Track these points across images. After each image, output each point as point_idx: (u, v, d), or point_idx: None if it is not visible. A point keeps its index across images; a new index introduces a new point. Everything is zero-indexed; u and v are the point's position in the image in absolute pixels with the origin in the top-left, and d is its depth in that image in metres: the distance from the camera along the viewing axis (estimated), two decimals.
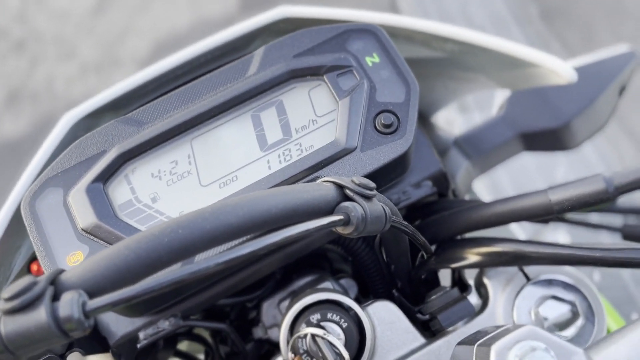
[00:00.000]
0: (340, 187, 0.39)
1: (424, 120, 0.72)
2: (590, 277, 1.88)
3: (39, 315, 0.28)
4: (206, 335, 0.68)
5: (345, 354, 0.46)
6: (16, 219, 0.53)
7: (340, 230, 0.38)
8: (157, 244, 0.31)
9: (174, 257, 0.32)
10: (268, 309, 0.62)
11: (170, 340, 0.64)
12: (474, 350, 0.37)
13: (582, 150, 2.01)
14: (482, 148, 0.68)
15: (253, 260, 0.52)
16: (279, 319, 0.61)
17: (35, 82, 3.31)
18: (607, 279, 1.88)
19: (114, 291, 0.30)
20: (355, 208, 0.38)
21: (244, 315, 0.66)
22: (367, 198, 0.39)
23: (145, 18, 3.48)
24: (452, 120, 1.60)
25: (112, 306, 0.29)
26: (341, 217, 0.37)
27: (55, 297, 0.29)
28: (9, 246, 0.55)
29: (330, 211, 0.38)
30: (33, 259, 0.58)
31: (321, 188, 0.38)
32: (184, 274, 0.30)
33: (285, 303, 0.60)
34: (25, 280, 0.29)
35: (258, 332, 0.64)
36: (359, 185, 0.39)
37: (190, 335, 0.65)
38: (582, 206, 0.45)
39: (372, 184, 0.40)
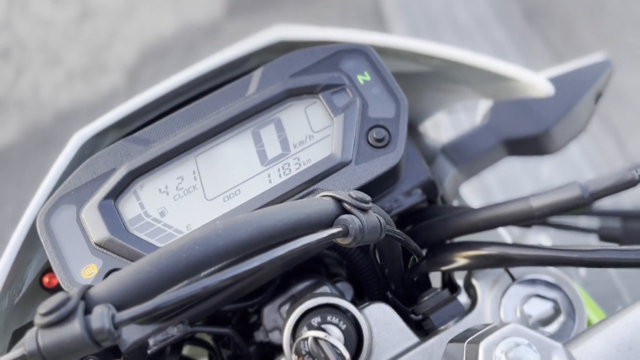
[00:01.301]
0: (338, 201, 0.43)
1: (413, 129, 0.76)
2: (576, 272, 1.94)
3: (74, 328, 0.31)
4: (209, 340, 0.71)
5: (346, 354, 0.49)
6: (28, 235, 0.56)
7: (340, 241, 0.42)
8: (177, 260, 0.34)
9: (192, 271, 0.35)
10: (269, 313, 0.65)
11: (176, 346, 0.67)
12: (464, 348, 0.40)
13: (567, 150, 2.06)
14: (468, 155, 0.72)
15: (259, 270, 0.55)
16: (280, 322, 0.64)
17: (21, 90, 3.30)
18: (593, 274, 1.93)
19: (139, 304, 0.33)
20: (354, 220, 0.41)
21: (245, 320, 0.69)
22: (364, 210, 0.42)
23: (131, 24, 3.48)
24: (439, 122, 1.64)
25: (139, 318, 0.32)
26: (340, 229, 0.41)
27: (87, 311, 0.32)
28: (22, 260, 0.57)
29: (330, 224, 0.41)
30: (44, 272, 0.61)
31: (321, 203, 0.42)
32: (204, 285, 0.33)
33: (285, 307, 0.63)
34: (59, 296, 0.32)
35: (259, 336, 0.67)
36: (355, 199, 0.43)
37: (194, 340, 0.68)
38: (560, 211, 0.49)
39: (368, 197, 0.43)
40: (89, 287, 0.34)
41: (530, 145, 0.72)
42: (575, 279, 1.36)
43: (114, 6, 3.60)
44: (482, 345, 0.37)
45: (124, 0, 3.62)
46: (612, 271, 2.01)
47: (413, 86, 0.69)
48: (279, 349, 0.64)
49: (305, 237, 0.38)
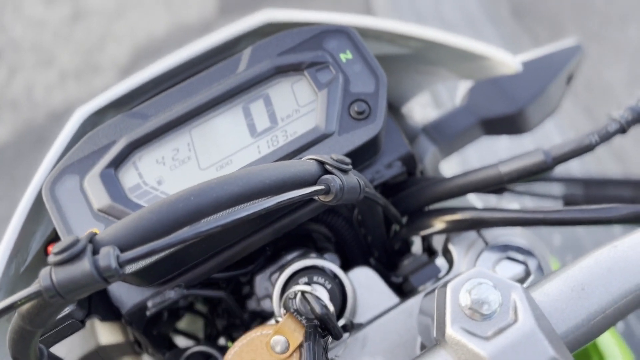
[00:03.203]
0: (321, 163, 0.47)
1: (395, 110, 0.80)
2: (551, 241, 1.98)
3: (84, 265, 0.34)
4: (204, 311, 0.75)
5: (331, 306, 0.53)
6: (33, 207, 0.60)
7: (322, 198, 0.46)
8: (175, 208, 0.38)
9: (188, 219, 0.39)
10: (260, 281, 0.69)
11: (172, 313, 0.71)
12: (436, 293, 0.45)
13: (550, 135, 2.11)
14: (447, 134, 0.76)
15: (251, 231, 0.58)
16: (271, 290, 0.68)
17: (15, 90, 3.32)
18: (567, 241, 1.98)
19: (140, 246, 0.37)
20: (334, 179, 0.45)
21: (238, 290, 0.73)
22: (344, 172, 0.46)
23: (123, 24, 3.50)
24: (428, 116, 1.69)
25: (140, 258, 0.36)
26: (322, 187, 0.44)
27: (95, 252, 0.36)
28: (27, 231, 0.61)
29: (313, 183, 0.45)
30: (48, 242, 0.65)
31: (305, 164, 0.46)
32: (198, 231, 0.37)
33: (276, 275, 0.68)
34: (70, 238, 0.36)
35: (252, 304, 0.71)
36: (336, 160, 0.47)
37: (190, 309, 0.72)
38: (526, 175, 0.53)
39: (348, 160, 0.47)
40: (95, 233, 0.38)
41: (506, 124, 0.76)
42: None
43: (106, 7, 3.62)
44: (450, 286, 0.42)
45: (116, 0, 3.64)
46: (586, 241, 2.06)
47: (394, 69, 0.74)
48: (270, 316, 0.68)
49: (290, 192, 0.42)
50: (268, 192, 0.42)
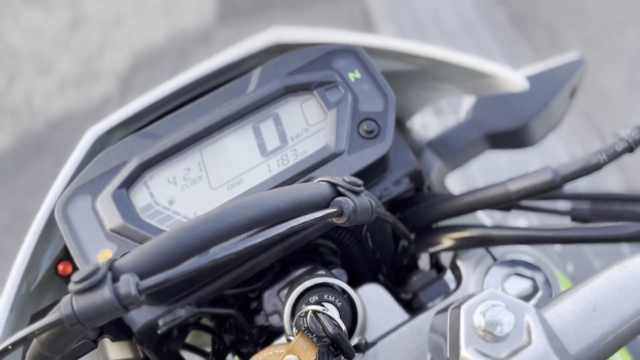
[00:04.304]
0: (333, 185, 0.47)
1: (401, 125, 0.81)
2: (564, 270, 1.99)
3: (104, 293, 0.35)
4: (212, 326, 0.75)
5: (343, 325, 0.53)
6: (44, 227, 0.60)
7: (335, 220, 0.46)
8: (192, 235, 0.39)
9: (205, 244, 0.39)
10: (269, 298, 0.69)
11: (181, 330, 0.71)
12: (449, 314, 0.45)
13: (553, 150, 2.12)
14: (453, 148, 0.77)
15: (261, 250, 0.59)
16: (279, 306, 0.69)
17: (14, 98, 3.32)
18: (580, 270, 1.99)
19: (159, 274, 0.37)
20: (347, 202, 0.45)
21: (246, 306, 0.73)
22: (356, 193, 0.47)
23: (121, 32, 3.51)
24: (427, 124, 1.69)
25: (159, 285, 0.37)
26: (336, 209, 0.45)
27: (114, 279, 0.36)
28: (38, 250, 0.61)
29: (326, 205, 0.46)
30: (58, 261, 0.65)
31: (318, 186, 0.46)
32: (215, 257, 0.38)
33: (284, 292, 0.68)
34: (90, 267, 0.36)
35: (260, 320, 0.71)
36: (349, 182, 0.47)
37: (199, 325, 0.72)
38: (535, 193, 0.54)
39: (360, 182, 0.48)
40: (114, 260, 0.38)
41: (511, 138, 0.77)
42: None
43: (104, 14, 3.62)
44: (464, 308, 0.42)
45: (114, 8, 3.64)
46: (598, 269, 2.07)
47: (400, 85, 0.74)
48: (278, 332, 0.68)
49: (304, 216, 0.43)
50: (282, 216, 0.43)
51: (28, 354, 0.40)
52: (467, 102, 0.81)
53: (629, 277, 0.43)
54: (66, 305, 0.35)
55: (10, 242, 2.50)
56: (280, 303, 0.69)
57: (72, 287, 0.36)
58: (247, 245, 0.39)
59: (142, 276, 0.37)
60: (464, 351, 0.41)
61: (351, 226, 0.66)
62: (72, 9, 3.70)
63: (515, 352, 0.40)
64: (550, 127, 0.78)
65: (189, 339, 0.81)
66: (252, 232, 0.43)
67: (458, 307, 0.44)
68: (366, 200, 0.47)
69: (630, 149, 0.51)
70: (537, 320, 0.41)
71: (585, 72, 0.81)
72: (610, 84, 2.57)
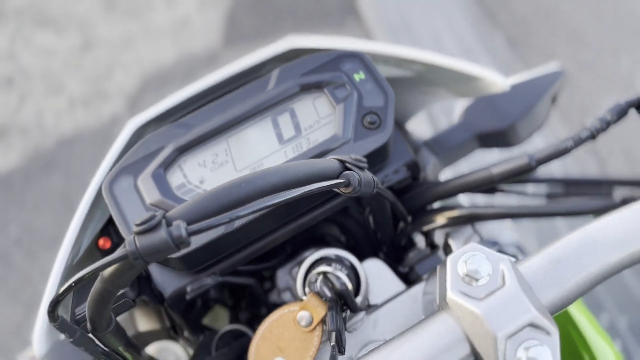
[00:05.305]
0: (342, 161, 0.56)
1: (400, 125, 0.90)
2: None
3: (161, 234, 0.43)
4: (230, 303, 0.83)
5: (349, 284, 0.62)
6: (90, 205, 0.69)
7: (342, 190, 0.55)
8: (228, 192, 0.47)
9: (239, 201, 0.48)
10: (282, 275, 0.78)
11: (204, 304, 0.79)
12: (438, 268, 0.54)
13: (548, 167, 2.20)
14: (446, 147, 0.86)
15: (279, 226, 0.67)
16: (291, 283, 0.77)
17: (25, 116, 3.39)
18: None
19: (203, 221, 0.46)
20: (353, 175, 0.54)
21: (261, 286, 0.82)
22: (361, 169, 0.56)
23: (130, 54, 3.60)
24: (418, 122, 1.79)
25: (202, 230, 0.45)
26: (343, 180, 0.54)
27: (168, 224, 0.45)
28: (83, 228, 0.70)
29: (335, 177, 0.55)
30: (98, 237, 0.74)
31: (329, 161, 0.55)
32: (250, 210, 0.47)
33: (295, 270, 0.77)
34: (148, 214, 0.45)
35: (273, 297, 0.80)
36: (355, 160, 0.56)
37: (219, 301, 0.81)
38: (514, 175, 0.63)
39: (364, 160, 0.57)
40: (167, 210, 0.47)
41: (498, 138, 0.86)
42: None
43: (114, 37, 3.72)
44: (449, 258, 0.51)
45: (124, 31, 3.75)
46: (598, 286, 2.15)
47: (400, 90, 0.84)
48: None
49: (318, 183, 0.52)
50: (300, 184, 0.51)
51: (92, 290, 0.48)
52: (459, 107, 0.90)
53: (588, 237, 0.52)
54: (130, 243, 0.43)
55: (19, 255, 2.57)
56: (292, 281, 0.77)
57: (134, 229, 0.44)
58: (275, 202, 0.48)
59: (189, 223, 0.45)
60: (449, 293, 0.49)
61: (354, 212, 0.75)
62: (82, 32, 3.80)
63: (491, 293, 0.48)
64: (534, 129, 0.87)
65: (208, 322, 0.89)
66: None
67: (445, 261, 0.52)
68: (369, 175, 0.56)
69: (592, 137, 0.60)
70: (511, 268, 0.50)
71: (565, 81, 0.91)
72: (605, 106, 2.66)
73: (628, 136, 2.42)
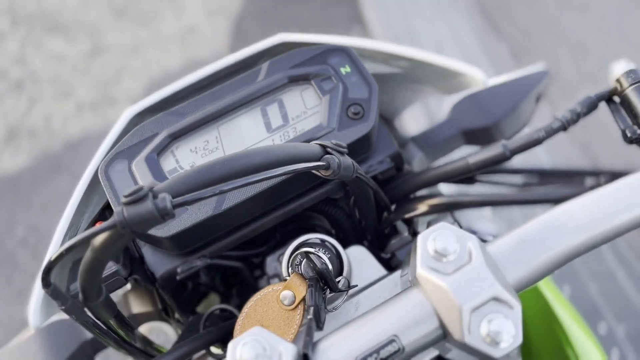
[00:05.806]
0: (323, 146, 0.59)
1: (388, 122, 0.93)
2: (561, 289, 2.11)
3: (147, 205, 0.46)
4: (221, 289, 0.86)
5: (330, 265, 0.65)
6: (86, 190, 0.73)
7: (322, 172, 0.58)
8: (212, 169, 0.50)
9: (221, 178, 0.51)
10: (270, 262, 0.81)
11: (195, 288, 0.82)
12: (411, 246, 0.57)
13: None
14: (433, 142, 0.89)
15: (266, 211, 0.70)
16: (279, 269, 0.80)
17: (34, 120, 3.44)
18: (576, 292, 2.11)
19: (187, 194, 0.49)
20: (333, 158, 0.57)
21: (251, 273, 0.85)
22: (341, 153, 0.59)
23: (138, 60, 3.65)
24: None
25: (186, 203, 0.48)
26: (323, 163, 0.57)
27: (154, 197, 0.48)
28: (79, 211, 0.73)
29: (317, 160, 0.58)
30: (94, 222, 0.77)
31: (310, 145, 0.58)
32: (229, 187, 0.50)
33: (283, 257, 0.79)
34: (136, 187, 0.48)
35: (262, 283, 0.83)
36: (335, 144, 0.59)
37: (210, 286, 0.84)
38: (490, 164, 0.66)
39: (344, 144, 0.60)
40: (154, 184, 0.50)
41: (483, 135, 0.89)
42: None
43: (123, 44, 3.77)
44: (420, 236, 0.54)
45: (133, 38, 3.80)
46: (593, 291, 2.18)
47: (387, 87, 0.87)
48: None
49: (299, 164, 0.55)
50: (281, 164, 0.54)
51: (84, 259, 0.51)
52: (446, 105, 0.93)
53: (552, 219, 0.55)
54: (119, 213, 0.46)
55: (25, 255, 2.61)
56: (280, 267, 0.80)
57: (123, 200, 0.47)
58: (254, 180, 0.51)
59: (175, 196, 0.48)
60: (419, 269, 0.52)
61: (341, 202, 0.78)
62: (92, 38, 3.85)
63: (459, 268, 0.51)
64: (518, 127, 0.90)
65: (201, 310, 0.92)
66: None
67: (417, 239, 0.55)
68: (349, 160, 0.59)
69: (564, 128, 0.63)
70: (477, 245, 0.52)
71: (550, 81, 0.94)
72: (608, 116, 2.68)
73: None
